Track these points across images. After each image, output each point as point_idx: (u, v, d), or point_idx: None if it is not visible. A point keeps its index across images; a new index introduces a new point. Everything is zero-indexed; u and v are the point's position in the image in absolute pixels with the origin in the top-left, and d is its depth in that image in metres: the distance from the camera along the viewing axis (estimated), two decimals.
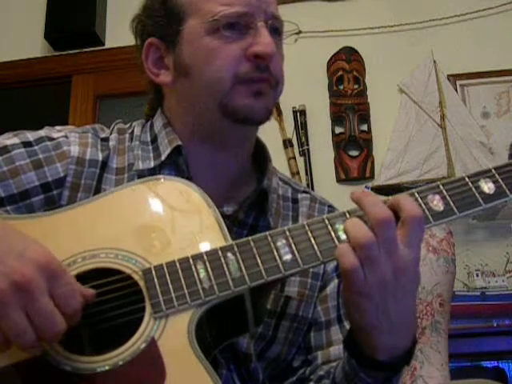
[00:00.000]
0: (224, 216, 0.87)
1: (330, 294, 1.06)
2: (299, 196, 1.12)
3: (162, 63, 1.03)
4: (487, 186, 0.83)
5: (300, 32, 1.09)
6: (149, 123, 1.08)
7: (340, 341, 1.02)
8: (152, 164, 1.00)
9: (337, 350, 1.02)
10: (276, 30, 1.00)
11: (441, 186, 0.82)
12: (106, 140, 1.04)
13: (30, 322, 0.68)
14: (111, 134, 1.06)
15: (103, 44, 3.21)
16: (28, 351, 0.71)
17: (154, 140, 1.04)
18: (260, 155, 1.09)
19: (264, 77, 0.97)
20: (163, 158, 1.00)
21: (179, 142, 1.00)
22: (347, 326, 1.03)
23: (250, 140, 1.07)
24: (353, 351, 0.85)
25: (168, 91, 1.06)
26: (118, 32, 3.16)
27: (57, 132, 1.03)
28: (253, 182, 1.06)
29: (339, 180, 2.85)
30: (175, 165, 1.00)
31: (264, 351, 1.02)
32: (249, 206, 1.02)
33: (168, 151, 1.00)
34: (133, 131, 1.08)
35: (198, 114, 1.01)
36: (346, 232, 0.77)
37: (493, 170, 0.85)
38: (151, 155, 1.02)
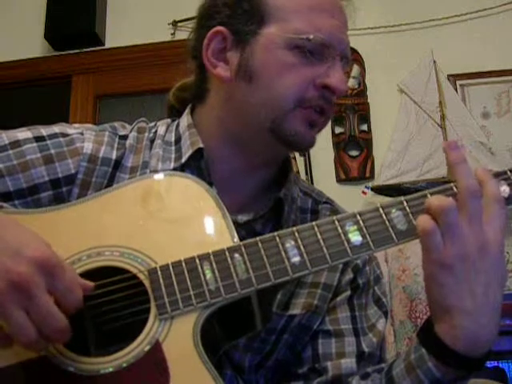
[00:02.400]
0: (238, 225, 0.85)
1: (340, 304, 1.02)
2: (320, 207, 1.08)
3: (223, 55, 0.97)
4: (502, 189, 0.80)
5: None
6: (175, 123, 1.05)
7: (354, 354, 0.98)
8: (172, 165, 0.98)
9: (349, 363, 0.98)
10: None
11: (455, 188, 0.80)
12: (124, 138, 1.02)
13: (31, 320, 0.68)
14: (131, 132, 1.03)
15: (103, 44, 3.20)
16: (32, 349, 0.71)
17: (178, 141, 1.01)
18: (283, 165, 1.06)
19: (326, 107, 0.95)
20: (183, 160, 0.97)
21: (201, 145, 0.97)
22: (367, 339, 1.01)
23: (281, 157, 1.04)
24: (426, 340, 0.80)
25: (217, 87, 1.00)
26: (118, 32, 3.17)
27: (73, 129, 1.01)
28: (272, 192, 1.02)
29: (339, 180, 2.85)
30: (197, 168, 0.97)
31: (264, 362, 1.00)
32: (267, 217, 1.00)
33: (189, 153, 0.97)
34: (156, 131, 1.04)
35: (245, 120, 0.97)
36: (427, 204, 0.76)
37: (508, 173, 0.82)
38: (172, 156, 0.99)
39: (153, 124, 1.07)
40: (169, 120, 1.08)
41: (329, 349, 1.00)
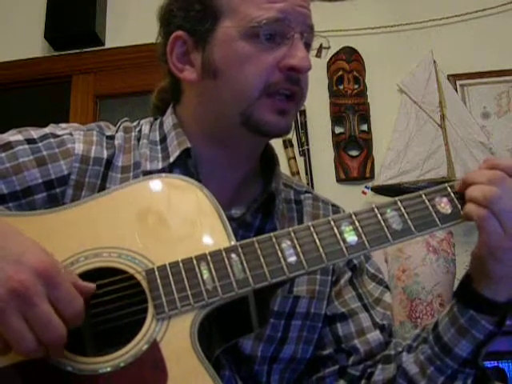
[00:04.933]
0: (231, 219, 0.86)
1: (344, 287, 1.07)
2: (302, 197, 1.11)
3: (187, 58, 1.00)
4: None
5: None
6: (158, 121, 1.07)
7: (373, 327, 1.03)
8: (160, 165, 0.99)
9: (375, 335, 1.03)
10: (308, 44, 1.00)
11: (449, 189, 0.83)
12: (111, 138, 1.03)
13: (30, 327, 0.68)
14: (117, 132, 1.04)
15: (103, 44, 3.21)
16: (30, 357, 0.71)
17: (163, 140, 1.02)
18: (268, 157, 1.08)
19: (294, 89, 0.96)
20: (172, 159, 0.98)
21: (189, 145, 0.98)
22: (378, 312, 1.05)
23: (262, 146, 1.06)
24: (473, 303, 0.87)
25: (189, 88, 1.03)
26: (118, 32, 3.17)
27: (61, 129, 1.01)
28: (260, 183, 1.05)
29: (339, 180, 2.85)
30: (184, 167, 0.98)
31: (277, 353, 1.01)
32: (256, 208, 1.01)
33: (177, 153, 0.98)
34: (140, 129, 1.06)
35: (218, 117, 0.99)
36: (468, 193, 0.81)
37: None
38: (159, 155, 1.00)
39: (136, 123, 1.08)
40: (151, 118, 1.09)
41: (348, 329, 1.04)
